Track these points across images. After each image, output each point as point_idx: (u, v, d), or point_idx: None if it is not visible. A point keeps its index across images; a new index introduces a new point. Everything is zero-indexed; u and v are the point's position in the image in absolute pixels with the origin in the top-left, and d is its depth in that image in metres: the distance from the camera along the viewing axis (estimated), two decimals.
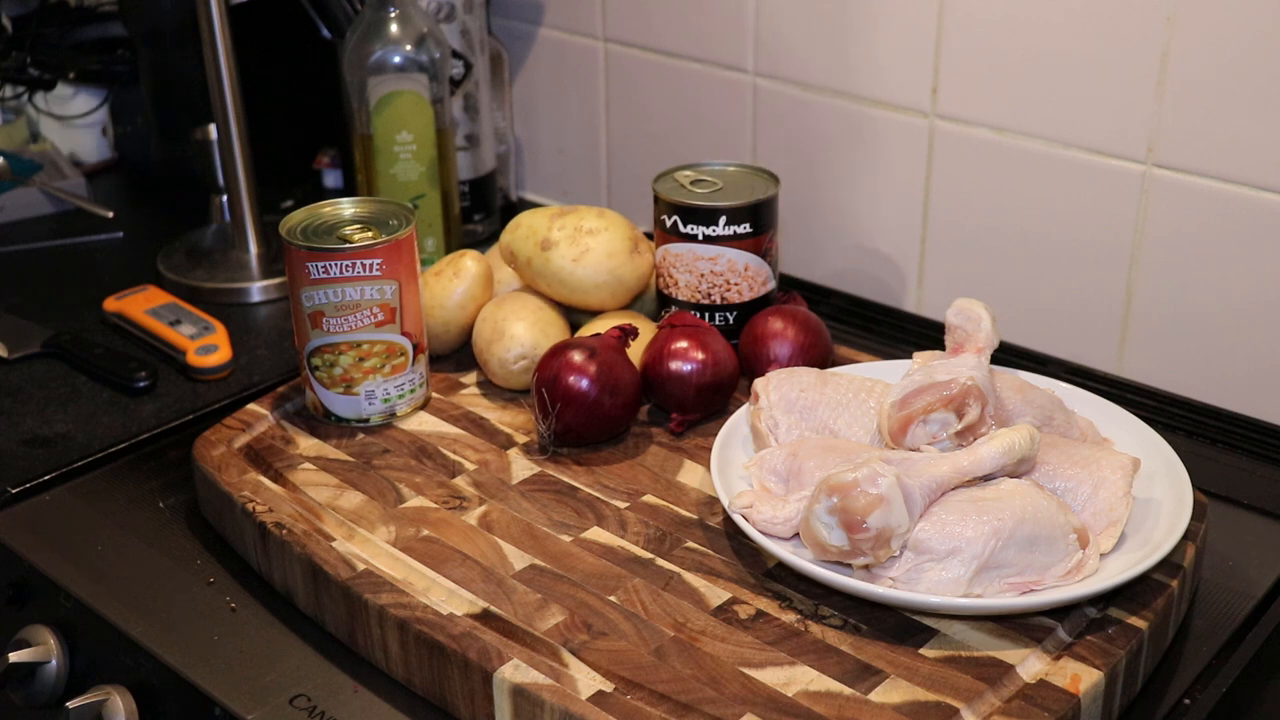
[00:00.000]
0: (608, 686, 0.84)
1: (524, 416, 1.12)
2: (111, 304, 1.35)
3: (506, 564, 0.95)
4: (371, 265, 1.06)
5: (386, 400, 1.11)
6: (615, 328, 1.10)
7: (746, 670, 0.85)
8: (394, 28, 1.32)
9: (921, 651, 0.86)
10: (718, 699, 0.83)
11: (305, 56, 1.58)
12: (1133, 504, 0.92)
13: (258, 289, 1.40)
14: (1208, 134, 1.13)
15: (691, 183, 1.17)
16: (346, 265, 1.06)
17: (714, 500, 1.01)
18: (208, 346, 1.27)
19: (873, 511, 0.85)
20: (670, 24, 1.44)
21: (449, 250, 1.39)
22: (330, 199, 1.14)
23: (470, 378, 1.18)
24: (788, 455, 0.97)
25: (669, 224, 1.15)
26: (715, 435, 1.03)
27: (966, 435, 0.94)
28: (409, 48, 1.32)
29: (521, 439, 1.09)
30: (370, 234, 1.08)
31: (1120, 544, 0.91)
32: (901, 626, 0.88)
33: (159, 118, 1.58)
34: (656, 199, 1.16)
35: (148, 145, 1.62)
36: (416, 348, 1.11)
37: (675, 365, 1.09)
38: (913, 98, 1.29)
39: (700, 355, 1.09)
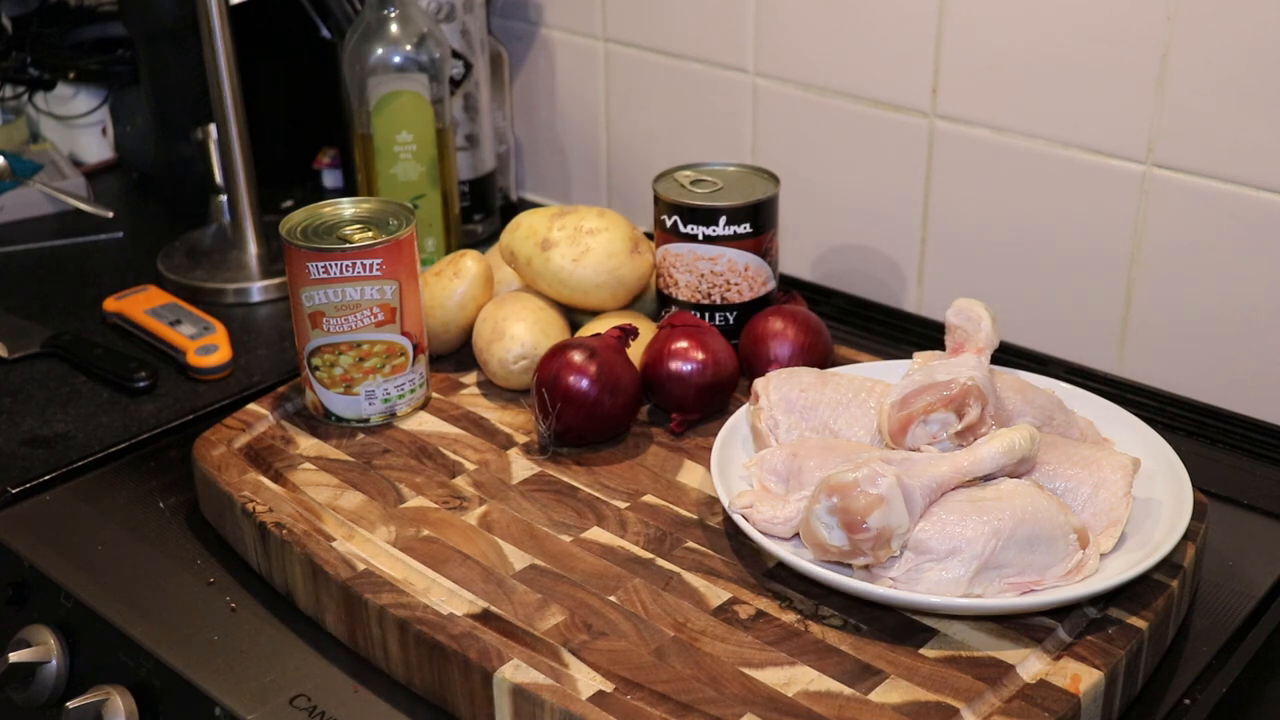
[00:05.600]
0: (608, 686, 0.84)
1: (524, 416, 1.12)
2: (111, 304, 1.35)
3: (506, 564, 0.95)
4: (371, 265, 1.06)
5: (386, 400, 1.11)
6: (615, 328, 1.10)
7: (746, 670, 0.85)
8: (394, 28, 1.32)
9: (921, 651, 0.86)
10: (718, 699, 0.83)
11: (305, 56, 1.58)
12: (1133, 504, 0.92)
13: (258, 289, 1.40)
14: (1208, 134, 1.13)
15: (691, 183, 1.17)
16: (346, 265, 1.06)
17: (714, 500, 1.01)
18: (208, 346, 1.27)
19: (873, 511, 0.85)
20: (670, 24, 1.44)
21: (449, 250, 1.39)
22: (330, 199, 1.14)
23: (470, 378, 1.18)
24: (788, 455, 0.97)
25: (669, 224, 1.15)
26: (715, 435, 1.03)
27: (966, 435, 0.94)
28: (409, 48, 1.32)
29: (521, 439, 1.09)
30: (370, 234, 1.08)
31: (1120, 544, 0.91)
32: (901, 626, 0.88)
33: (159, 118, 1.58)
34: (656, 199, 1.16)
35: (148, 145, 1.62)
36: (416, 348, 1.11)
37: (675, 365, 1.09)
38: (913, 98, 1.29)
39: (700, 355, 1.09)
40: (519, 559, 0.95)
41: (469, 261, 1.19)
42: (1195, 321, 1.19)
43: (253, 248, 1.44)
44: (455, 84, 1.43)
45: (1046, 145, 1.22)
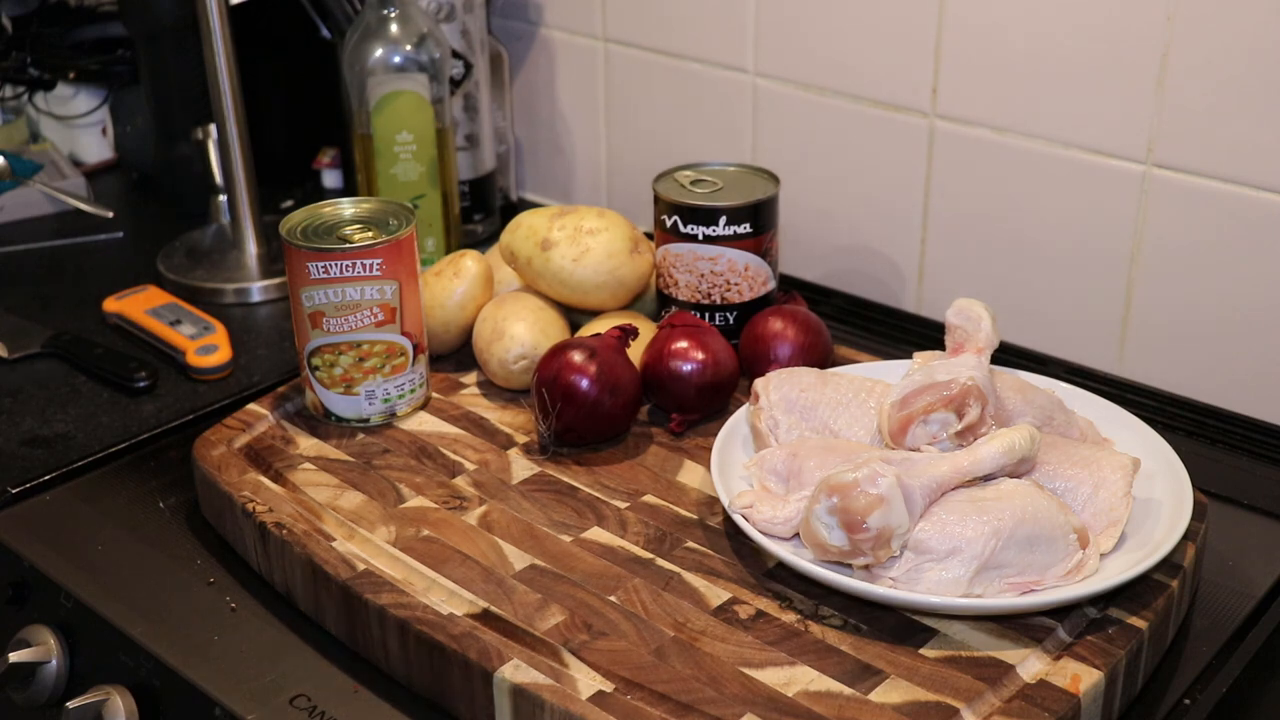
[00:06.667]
0: (608, 686, 0.84)
1: (524, 416, 1.12)
2: (111, 304, 1.35)
3: (506, 564, 0.95)
4: (371, 265, 1.06)
5: (386, 400, 1.11)
6: (615, 328, 1.10)
7: (746, 670, 0.85)
8: (394, 28, 1.32)
9: (921, 651, 0.86)
10: (718, 699, 0.83)
11: (305, 56, 1.58)
12: (1133, 504, 0.92)
13: (258, 289, 1.40)
14: (1208, 134, 1.13)
15: (691, 183, 1.17)
16: (346, 265, 1.06)
17: (714, 500, 1.01)
18: (208, 346, 1.27)
19: (873, 511, 0.85)
20: (670, 24, 1.44)
21: (449, 250, 1.39)
22: (330, 199, 1.14)
23: (470, 378, 1.18)
24: (788, 455, 0.97)
25: (669, 224, 1.15)
26: (715, 435, 1.03)
27: (966, 435, 0.94)
28: (409, 48, 1.32)
29: (521, 439, 1.09)
30: (370, 234, 1.08)
31: (1120, 544, 0.91)
32: (901, 626, 0.88)
33: (159, 118, 1.58)
34: (656, 199, 1.16)
35: (148, 145, 1.62)
36: (416, 348, 1.11)
37: (675, 365, 1.09)
38: (913, 98, 1.29)
39: (700, 355, 1.09)
40: (519, 559, 0.95)
41: (469, 261, 1.19)
42: (1195, 321, 1.19)
43: (253, 248, 1.44)
44: (455, 84, 1.43)
45: (1046, 145, 1.22)
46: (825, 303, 1.37)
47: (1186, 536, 0.92)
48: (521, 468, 1.06)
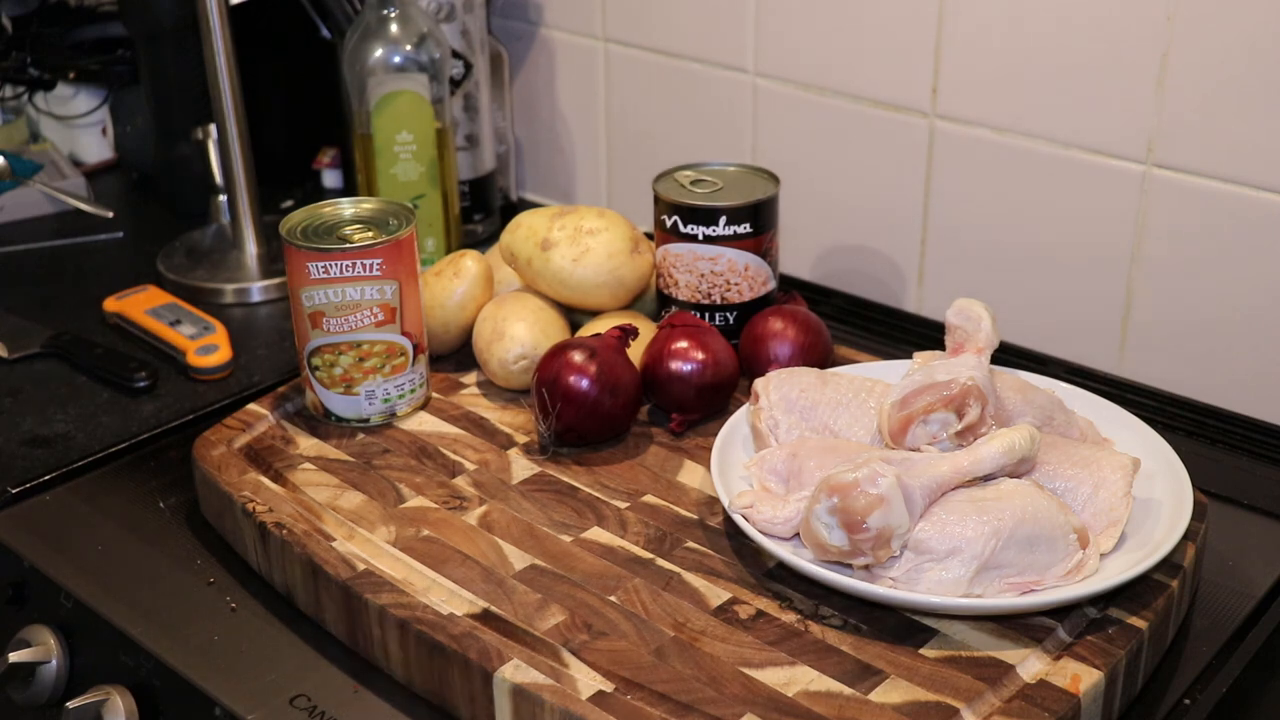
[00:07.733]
0: (608, 686, 0.84)
1: (524, 416, 1.12)
2: (111, 304, 1.35)
3: (506, 564, 0.95)
4: (371, 265, 1.06)
5: (386, 400, 1.11)
6: (615, 328, 1.10)
7: (746, 670, 0.85)
8: (394, 28, 1.32)
9: (921, 651, 0.86)
10: (718, 699, 0.83)
11: (305, 56, 1.58)
12: (1133, 504, 0.92)
13: (258, 289, 1.40)
14: (1208, 134, 1.13)
15: (691, 183, 1.17)
16: (346, 265, 1.06)
17: (714, 500, 1.01)
18: (208, 346, 1.27)
19: (873, 511, 0.85)
20: (670, 24, 1.44)
21: (449, 250, 1.39)
22: (330, 199, 1.14)
23: (470, 378, 1.18)
24: (788, 455, 0.97)
25: (669, 224, 1.15)
26: (715, 435, 1.03)
27: (966, 435, 0.94)
28: (409, 48, 1.32)
29: (521, 439, 1.09)
30: (370, 234, 1.08)
31: (1120, 544, 0.91)
32: (901, 626, 0.88)
33: (159, 118, 1.58)
34: (656, 199, 1.16)
35: (148, 145, 1.62)
36: (416, 348, 1.11)
37: (675, 365, 1.09)
38: (913, 98, 1.29)
39: (700, 355, 1.09)
40: (519, 559, 0.95)
41: (469, 261, 1.19)
42: (1195, 321, 1.19)
43: (252, 248, 1.44)
44: (455, 84, 1.44)
45: (1046, 145, 1.22)
46: (825, 303, 1.37)
47: (1186, 536, 0.92)
48: (521, 468, 1.06)
